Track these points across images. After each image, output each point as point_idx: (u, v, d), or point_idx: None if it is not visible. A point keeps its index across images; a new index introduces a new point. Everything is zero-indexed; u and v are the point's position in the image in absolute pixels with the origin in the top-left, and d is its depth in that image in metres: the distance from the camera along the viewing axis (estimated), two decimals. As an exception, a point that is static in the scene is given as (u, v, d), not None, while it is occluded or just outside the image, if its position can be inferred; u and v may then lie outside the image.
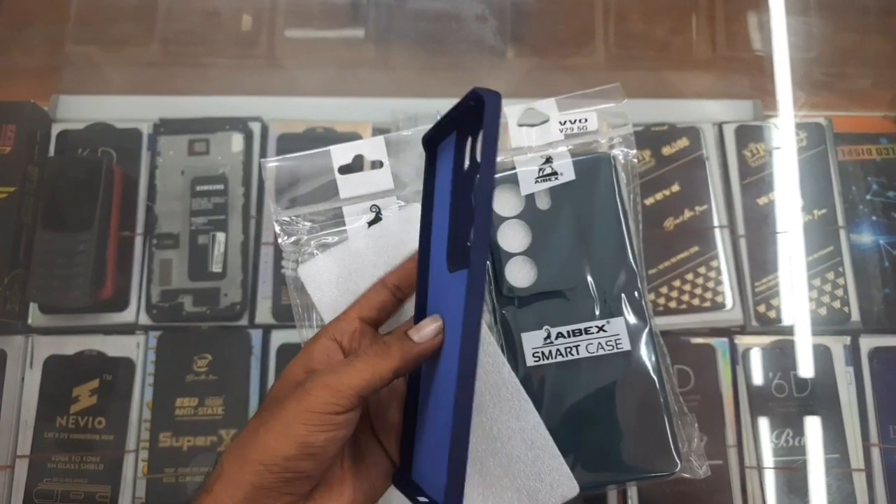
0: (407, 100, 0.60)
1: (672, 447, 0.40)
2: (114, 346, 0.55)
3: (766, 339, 0.55)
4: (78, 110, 0.61)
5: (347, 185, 0.44)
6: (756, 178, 0.58)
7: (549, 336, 0.41)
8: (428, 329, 0.34)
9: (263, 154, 0.58)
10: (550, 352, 0.41)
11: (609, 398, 0.40)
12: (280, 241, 0.44)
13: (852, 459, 0.53)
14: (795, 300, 0.56)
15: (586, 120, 0.44)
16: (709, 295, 0.55)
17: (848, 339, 0.55)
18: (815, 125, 0.59)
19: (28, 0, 0.67)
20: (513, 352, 0.41)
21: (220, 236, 0.56)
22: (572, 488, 0.39)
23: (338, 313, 0.38)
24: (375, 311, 0.38)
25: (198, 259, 0.56)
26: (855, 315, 0.56)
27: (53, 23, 0.65)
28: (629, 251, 0.42)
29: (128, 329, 0.56)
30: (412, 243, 0.40)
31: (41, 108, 0.60)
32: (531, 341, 0.41)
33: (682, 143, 0.58)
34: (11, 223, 0.56)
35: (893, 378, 0.54)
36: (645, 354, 0.41)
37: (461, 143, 0.35)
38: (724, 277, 0.56)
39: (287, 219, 0.44)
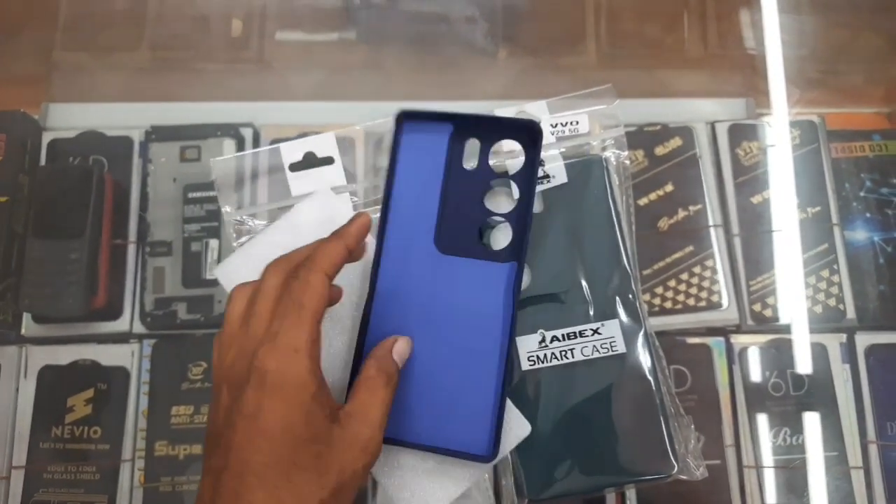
0: (399, 102, 0.60)
1: (669, 449, 0.40)
2: (108, 355, 0.54)
3: (762, 338, 0.55)
4: (68, 118, 0.61)
5: (299, 183, 0.44)
6: (749, 177, 0.58)
7: (543, 339, 0.41)
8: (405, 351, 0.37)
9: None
10: (545, 355, 0.41)
11: (605, 401, 0.40)
12: (233, 242, 0.44)
13: (850, 457, 0.52)
14: (791, 298, 0.56)
15: (578, 122, 0.44)
16: (704, 294, 0.55)
17: (844, 337, 0.55)
18: (807, 122, 0.59)
19: (16, 8, 0.66)
20: (508, 356, 0.41)
21: (214, 243, 0.56)
22: (525, 428, 0.40)
23: None
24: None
25: (191, 266, 0.56)
26: (850, 312, 0.56)
27: (42, 31, 0.65)
28: (623, 253, 0.42)
29: (122, 338, 0.55)
30: (328, 227, 0.41)
31: (31, 117, 0.60)
32: (526, 345, 0.41)
33: (675, 142, 0.58)
34: (3, 233, 0.55)
35: (890, 375, 0.54)
36: (640, 356, 0.41)
37: (484, 146, 0.41)
38: (720, 277, 0.56)
39: (239, 218, 0.44)
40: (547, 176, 0.43)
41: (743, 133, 0.59)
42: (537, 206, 0.43)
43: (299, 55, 0.67)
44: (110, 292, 0.56)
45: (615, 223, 0.42)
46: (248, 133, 0.59)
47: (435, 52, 0.66)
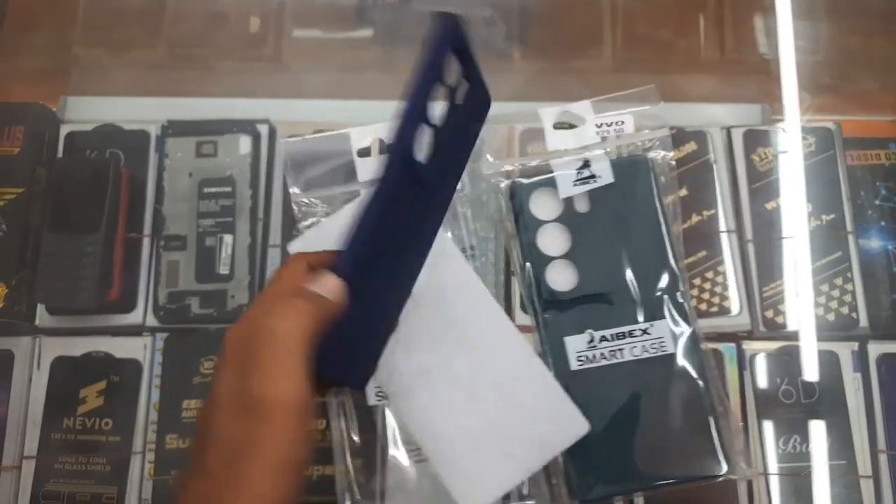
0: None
1: (718, 449, 0.39)
2: (121, 348, 0.54)
3: (774, 345, 0.55)
4: (86, 112, 0.61)
5: (366, 168, 0.44)
6: (764, 183, 0.58)
7: (592, 340, 0.41)
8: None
9: (271, 156, 0.58)
10: (594, 355, 0.40)
11: (654, 401, 0.40)
12: (298, 224, 0.44)
13: (860, 466, 0.52)
14: (803, 305, 0.56)
15: (622, 122, 0.44)
16: (716, 300, 0.55)
17: (856, 345, 0.55)
18: (823, 129, 0.59)
19: (36, 5, 0.67)
20: (557, 355, 0.40)
21: (228, 238, 0.56)
22: (583, 426, 0.39)
23: None
24: None
25: (205, 261, 0.56)
26: (863, 321, 0.56)
27: (61, 26, 0.65)
28: (670, 253, 0.42)
29: (135, 331, 0.55)
30: None
31: (49, 110, 0.60)
32: (575, 345, 0.40)
33: (690, 147, 0.58)
34: (19, 224, 0.56)
35: (901, 384, 0.54)
36: (689, 357, 0.40)
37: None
38: (732, 282, 0.56)
39: (306, 201, 0.44)
40: (593, 176, 0.42)
41: (758, 139, 0.59)
42: (582, 206, 0.42)
43: (315, 54, 0.67)
44: (124, 285, 0.56)
45: (662, 223, 0.42)
46: (264, 129, 0.59)
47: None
